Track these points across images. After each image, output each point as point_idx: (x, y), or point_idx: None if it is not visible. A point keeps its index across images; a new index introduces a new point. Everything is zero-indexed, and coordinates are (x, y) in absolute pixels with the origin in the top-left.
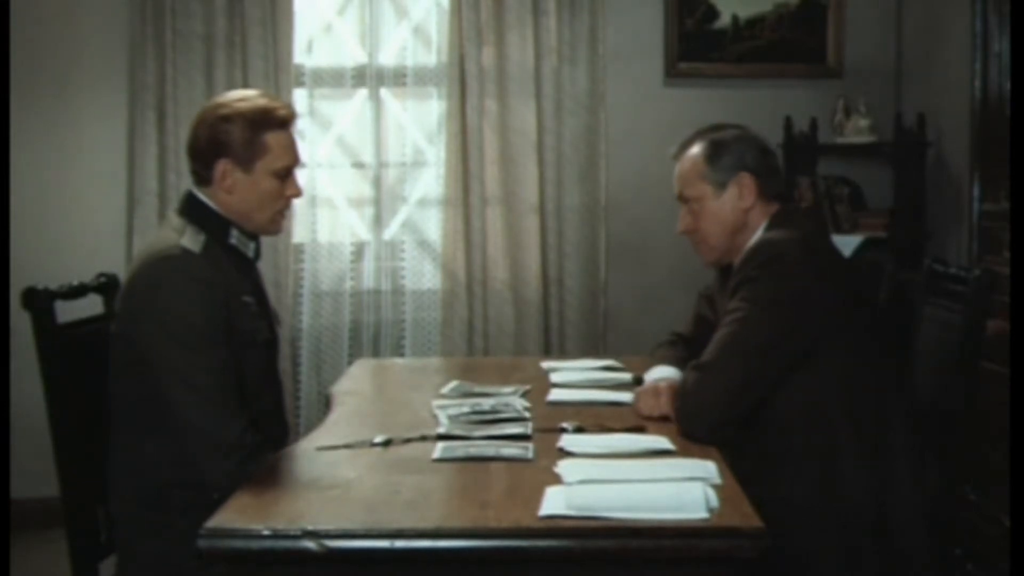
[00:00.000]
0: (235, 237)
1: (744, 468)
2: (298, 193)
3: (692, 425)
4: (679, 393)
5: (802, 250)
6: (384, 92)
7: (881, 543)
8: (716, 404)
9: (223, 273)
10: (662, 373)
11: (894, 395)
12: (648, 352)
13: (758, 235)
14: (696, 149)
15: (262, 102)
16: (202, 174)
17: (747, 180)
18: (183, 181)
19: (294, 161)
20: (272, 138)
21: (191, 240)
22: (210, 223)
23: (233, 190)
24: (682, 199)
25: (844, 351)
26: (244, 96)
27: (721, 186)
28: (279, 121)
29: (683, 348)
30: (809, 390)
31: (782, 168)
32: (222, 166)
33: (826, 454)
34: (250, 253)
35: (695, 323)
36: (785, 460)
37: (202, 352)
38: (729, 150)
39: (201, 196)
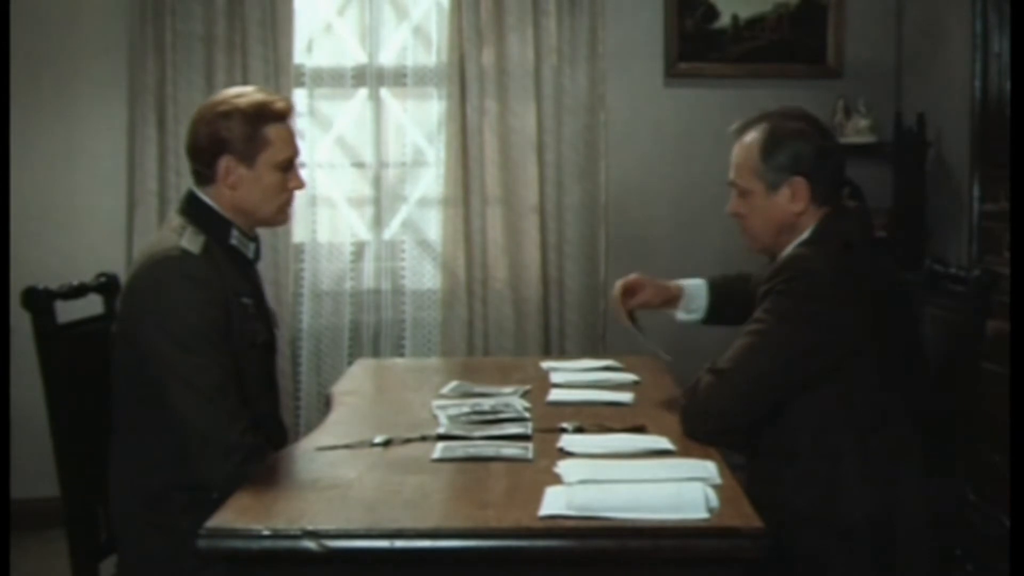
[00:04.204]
0: (235, 238)
1: (749, 470)
2: (301, 185)
3: (695, 427)
4: (689, 392)
5: (835, 269)
6: (384, 92)
7: (884, 547)
8: (722, 411)
9: (222, 274)
10: (689, 281)
11: (899, 398)
12: (648, 352)
13: (805, 236)
14: (754, 137)
15: (259, 96)
16: (204, 173)
17: (801, 186)
18: (183, 181)
19: (295, 153)
20: (272, 131)
21: (190, 241)
22: (211, 223)
23: (237, 186)
24: (733, 185)
25: (861, 365)
26: (241, 92)
27: (773, 187)
28: (277, 114)
29: (728, 289)
30: (818, 396)
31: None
32: (224, 163)
33: (831, 458)
34: (250, 254)
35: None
36: (790, 463)
37: (201, 353)
38: (786, 147)
39: (202, 196)
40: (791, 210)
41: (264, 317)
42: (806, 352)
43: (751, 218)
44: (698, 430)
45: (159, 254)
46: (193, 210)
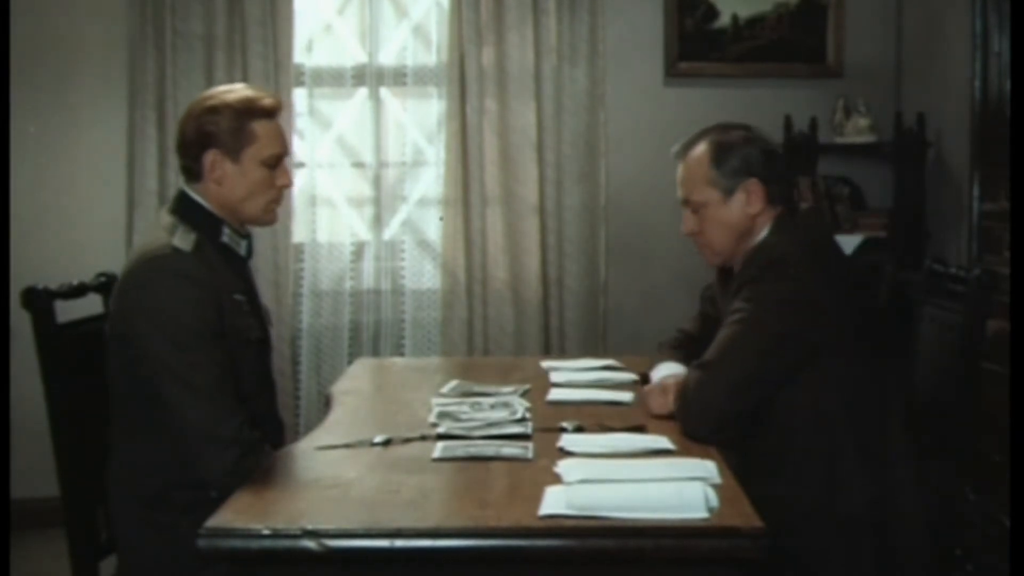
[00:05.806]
0: (227, 235)
1: (747, 468)
2: (288, 183)
3: (693, 424)
4: (681, 392)
5: (806, 253)
6: (384, 92)
7: (882, 543)
8: (718, 404)
9: (214, 272)
10: (669, 370)
11: (893, 396)
12: (648, 352)
13: (762, 237)
14: (701, 151)
15: (247, 92)
16: (192, 168)
17: (755, 187)
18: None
19: (282, 150)
20: (259, 127)
21: (182, 239)
22: (202, 221)
23: (223, 181)
24: (686, 204)
25: (846, 353)
26: (230, 88)
27: (728, 192)
28: (265, 110)
29: (689, 345)
30: (812, 391)
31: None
32: (210, 157)
33: (828, 454)
34: (242, 251)
35: (700, 321)
36: (788, 460)
37: (196, 350)
38: (735, 153)
39: (192, 194)
40: (748, 213)
41: (257, 314)
42: (790, 333)
43: (709, 231)
44: (697, 428)
45: (150, 253)
46: (183, 208)
